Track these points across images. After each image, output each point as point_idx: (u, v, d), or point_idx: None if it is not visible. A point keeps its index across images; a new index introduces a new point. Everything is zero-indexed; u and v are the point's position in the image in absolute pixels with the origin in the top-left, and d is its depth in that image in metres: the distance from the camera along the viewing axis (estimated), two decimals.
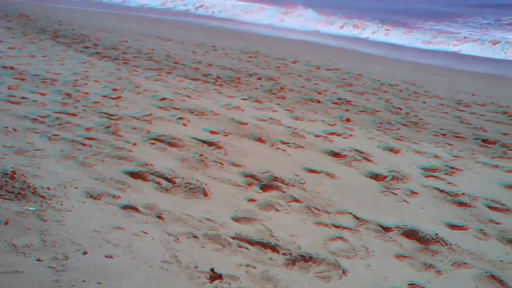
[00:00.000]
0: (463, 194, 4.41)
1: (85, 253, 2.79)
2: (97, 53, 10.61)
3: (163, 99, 6.81)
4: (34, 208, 3.21)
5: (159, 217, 3.39)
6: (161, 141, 4.98)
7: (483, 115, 7.89)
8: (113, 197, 3.60)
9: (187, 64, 10.40)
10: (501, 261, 3.33)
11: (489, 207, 4.21)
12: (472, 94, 9.57)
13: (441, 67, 13.55)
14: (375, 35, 20.51)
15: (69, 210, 3.28)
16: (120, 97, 6.65)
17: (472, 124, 7.24)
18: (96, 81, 7.51)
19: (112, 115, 5.67)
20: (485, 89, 10.35)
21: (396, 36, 20.00)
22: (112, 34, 13.77)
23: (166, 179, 4.06)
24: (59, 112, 5.50)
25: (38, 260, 2.65)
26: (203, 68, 10.06)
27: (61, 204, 3.34)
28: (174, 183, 4.00)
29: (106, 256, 2.79)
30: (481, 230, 3.76)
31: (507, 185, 4.74)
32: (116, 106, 6.17)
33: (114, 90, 7.03)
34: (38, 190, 3.47)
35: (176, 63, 10.39)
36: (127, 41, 12.62)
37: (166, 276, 2.72)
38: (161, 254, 2.92)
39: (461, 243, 3.52)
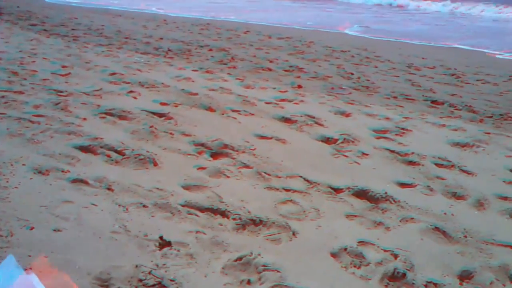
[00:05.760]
0: (412, 153, 4.50)
1: (31, 228, 2.75)
2: (45, 30, 10.41)
3: (114, 73, 6.75)
4: None
5: (109, 189, 3.37)
6: (111, 114, 4.94)
7: (433, 77, 8.02)
8: (62, 171, 3.56)
9: (138, 38, 10.29)
10: (444, 213, 3.43)
11: (436, 164, 4.31)
12: (423, 58, 9.71)
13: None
14: None
15: (16, 187, 3.24)
16: (69, 73, 6.56)
17: (422, 86, 7.35)
18: (44, 58, 7.38)
19: (61, 92, 5.59)
20: (434, 53, 10.52)
21: None
22: (60, 11, 13.47)
23: (116, 151, 4.03)
24: (5, 91, 5.41)
25: None
26: (154, 42, 9.97)
27: (7, 182, 3.29)
28: (123, 155, 3.97)
29: (54, 230, 2.77)
30: (428, 186, 3.85)
31: (452, 143, 4.86)
32: (66, 82, 6.10)
33: (64, 66, 6.93)
34: None
35: (127, 38, 10.27)
36: (76, 18, 12.37)
37: (115, 246, 2.71)
38: (110, 225, 2.91)
39: (409, 199, 3.60)
